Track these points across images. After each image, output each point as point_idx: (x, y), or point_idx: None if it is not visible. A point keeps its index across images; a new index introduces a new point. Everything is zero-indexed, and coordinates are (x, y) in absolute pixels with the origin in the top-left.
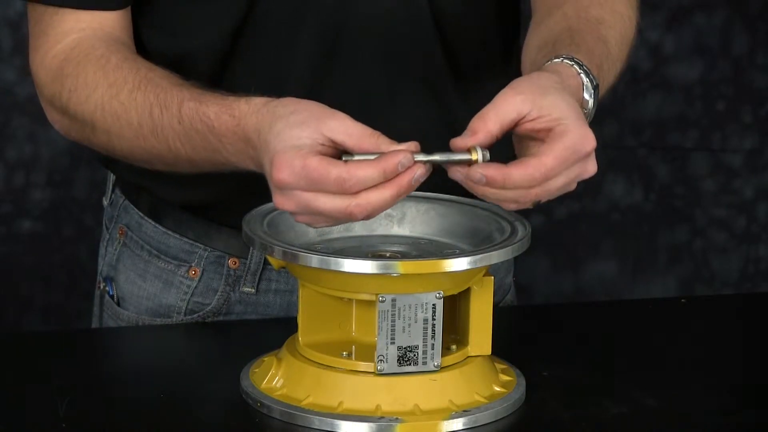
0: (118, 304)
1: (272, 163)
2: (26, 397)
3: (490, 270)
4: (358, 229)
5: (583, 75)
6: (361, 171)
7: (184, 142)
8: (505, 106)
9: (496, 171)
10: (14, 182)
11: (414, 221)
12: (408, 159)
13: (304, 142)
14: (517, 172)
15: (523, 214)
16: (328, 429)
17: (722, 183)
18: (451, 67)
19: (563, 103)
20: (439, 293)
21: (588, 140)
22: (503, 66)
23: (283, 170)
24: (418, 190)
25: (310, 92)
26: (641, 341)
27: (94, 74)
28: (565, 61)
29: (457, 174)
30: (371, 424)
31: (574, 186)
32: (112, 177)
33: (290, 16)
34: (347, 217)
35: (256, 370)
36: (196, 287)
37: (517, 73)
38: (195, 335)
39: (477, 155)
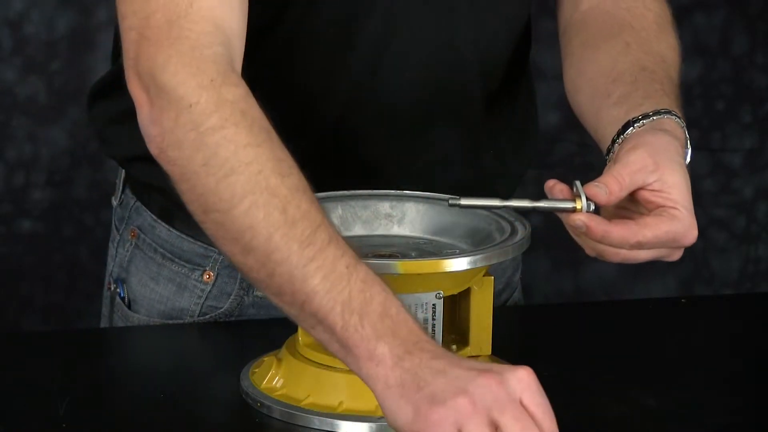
0: (129, 307)
1: (522, 378)
2: (26, 397)
3: (497, 269)
4: (358, 229)
5: (688, 141)
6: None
7: (297, 299)
8: (638, 174)
9: (597, 226)
10: (14, 182)
11: (414, 221)
12: None
13: None
14: (617, 233)
15: (523, 214)
16: (328, 429)
17: (722, 183)
18: (485, 94)
19: (684, 186)
20: (439, 293)
21: (690, 236)
22: (517, 82)
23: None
24: (417, 190)
25: (344, 111)
26: (641, 341)
27: (264, 197)
28: (676, 120)
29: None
30: (371, 424)
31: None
32: (121, 176)
33: (338, 36)
34: None
35: (256, 370)
36: (210, 291)
37: (528, 87)
38: (194, 335)
39: (582, 205)
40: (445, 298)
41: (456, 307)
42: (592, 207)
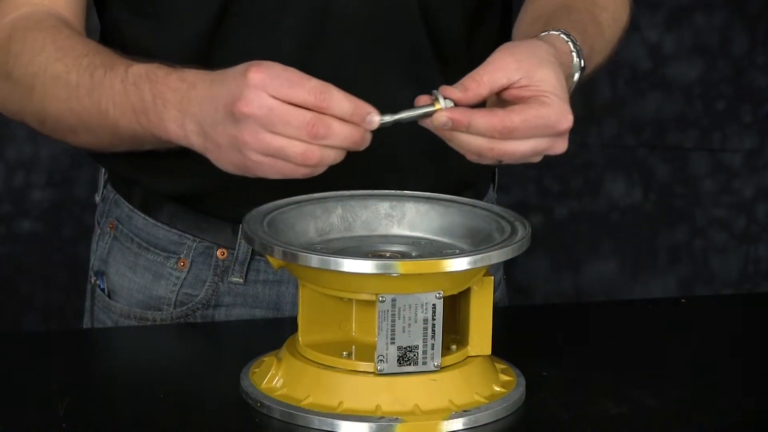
0: (109, 297)
1: (250, 67)
2: (26, 397)
3: (490, 270)
4: (358, 229)
5: (575, 54)
6: (336, 93)
7: (116, 102)
8: (498, 72)
9: (460, 114)
10: (14, 182)
11: (414, 221)
12: (374, 120)
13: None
14: (482, 118)
15: (523, 214)
16: (328, 429)
17: (722, 183)
18: (437, 50)
19: (555, 79)
20: (439, 293)
21: (565, 119)
22: (491, 48)
23: (262, 70)
24: (417, 190)
25: None
26: (641, 341)
27: (42, 38)
28: (562, 36)
29: (427, 123)
30: (371, 424)
31: (538, 158)
32: (103, 174)
33: (275, 1)
34: (307, 136)
35: (256, 370)
36: (185, 279)
37: None
38: (195, 335)
39: (440, 104)
40: (445, 298)
41: (456, 307)
42: (451, 104)
